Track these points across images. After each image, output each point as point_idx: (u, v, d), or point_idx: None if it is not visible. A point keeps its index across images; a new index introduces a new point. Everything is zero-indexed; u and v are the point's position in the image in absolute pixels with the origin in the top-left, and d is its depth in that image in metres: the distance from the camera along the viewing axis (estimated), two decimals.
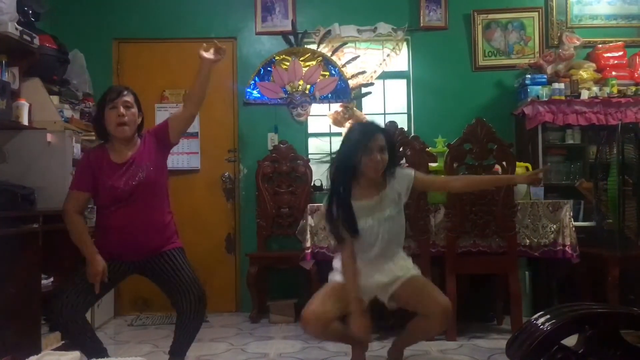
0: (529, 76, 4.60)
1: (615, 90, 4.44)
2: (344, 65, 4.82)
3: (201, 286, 2.82)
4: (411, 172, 2.79)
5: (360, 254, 2.73)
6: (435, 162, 3.95)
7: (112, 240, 2.74)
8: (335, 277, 2.80)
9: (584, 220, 4.28)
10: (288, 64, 4.86)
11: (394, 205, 2.71)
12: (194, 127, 4.86)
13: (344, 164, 2.66)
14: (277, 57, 4.87)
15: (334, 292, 2.72)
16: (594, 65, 4.64)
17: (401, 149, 3.64)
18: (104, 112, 2.73)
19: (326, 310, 2.64)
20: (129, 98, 2.75)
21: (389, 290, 2.74)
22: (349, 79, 4.80)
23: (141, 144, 2.82)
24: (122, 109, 2.71)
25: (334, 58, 4.82)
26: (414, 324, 2.83)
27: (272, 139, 4.86)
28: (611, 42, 4.75)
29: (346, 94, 4.79)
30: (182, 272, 2.78)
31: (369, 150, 2.59)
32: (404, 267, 2.78)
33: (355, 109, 4.78)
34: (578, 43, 4.65)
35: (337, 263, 2.84)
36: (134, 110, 2.77)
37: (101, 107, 2.75)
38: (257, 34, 4.92)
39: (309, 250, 3.66)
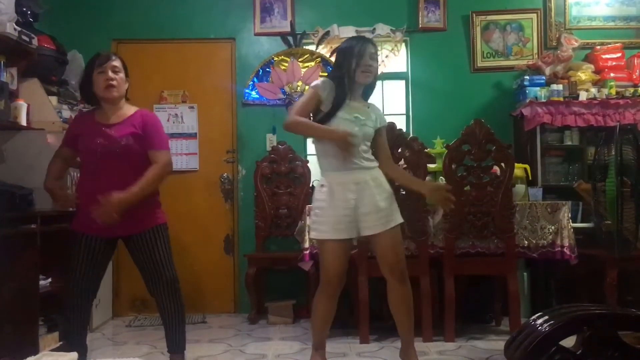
0: (528, 77, 4.60)
1: (613, 91, 4.44)
2: None
3: (172, 270, 2.84)
4: (385, 121, 3.01)
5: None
6: (434, 163, 3.96)
7: (86, 205, 2.73)
8: (313, 234, 2.87)
9: (582, 222, 4.28)
10: (287, 64, 4.86)
11: (371, 122, 2.87)
12: (193, 127, 4.87)
13: (341, 69, 2.83)
14: (275, 58, 4.88)
15: (329, 248, 2.79)
16: (592, 66, 4.64)
17: (400, 150, 3.64)
18: (92, 77, 2.79)
19: (342, 267, 2.80)
20: (116, 63, 2.81)
21: (375, 227, 2.79)
22: None
23: (130, 116, 2.83)
24: (110, 73, 2.77)
25: (333, 59, 4.81)
26: (392, 306, 2.90)
27: (271, 140, 4.86)
28: (609, 43, 4.76)
29: None
30: (156, 255, 2.81)
31: (362, 55, 2.77)
32: (388, 198, 2.84)
33: None
34: (576, 44, 4.66)
35: (312, 216, 2.90)
36: (122, 75, 2.83)
37: (89, 72, 2.82)
38: (256, 34, 4.92)
39: (308, 251, 3.66)
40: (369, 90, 2.95)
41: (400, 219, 2.88)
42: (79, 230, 2.78)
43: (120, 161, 2.73)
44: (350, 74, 2.80)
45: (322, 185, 2.84)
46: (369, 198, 2.78)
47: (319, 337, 2.93)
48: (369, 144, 2.87)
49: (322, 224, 2.80)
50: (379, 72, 4.89)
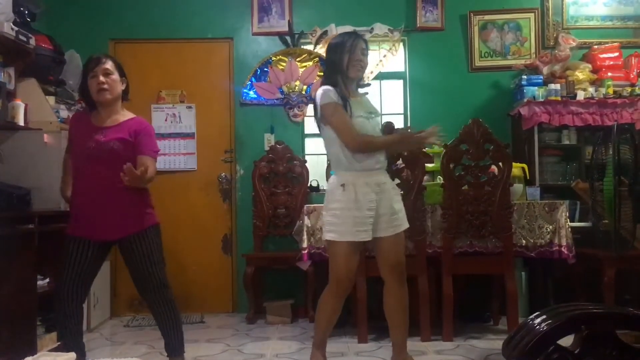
0: (525, 77, 4.61)
1: (611, 91, 4.45)
2: None
3: (161, 275, 2.82)
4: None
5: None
6: (432, 162, 3.96)
7: (78, 208, 2.76)
8: (331, 235, 2.78)
9: (580, 221, 4.28)
10: (284, 64, 4.86)
11: (374, 113, 2.91)
12: (191, 127, 4.87)
13: (333, 64, 2.84)
14: (273, 58, 4.88)
15: (345, 250, 2.74)
16: (589, 66, 4.65)
17: None
18: (87, 82, 2.80)
19: (354, 269, 2.80)
20: (107, 65, 2.80)
21: (388, 229, 2.80)
22: None
23: (125, 122, 2.82)
24: (101, 77, 2.76)
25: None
26: (387, 309, 2.90)
27: (269, 140, 4.85)
28: (607, 43, 4.76)
29: None
30: (144, 260, 2.79)
31: (353, 51, 2.79)
32: (401, 201, 2.91)
33: None
34: (574, 44, 4.66)
35: (327, 217, 2.80)
36: (114, 76, 2.81)
37: (84, 77, 2.83)
38: (254, 34, 4.92)
39: (306, 251, 3.66)
40: (360, 82, 3.01)
41: (407, 224, 2.92)
42: (73, 235, 2.76)
43: (107, 165, 2.70)
44: (343, 69, 2.81)
45: (342, 185, 2.74)
46: (388, 200, 2.79)
47: (322, 336, 2.92)
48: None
49: (342, 225, 2.72)
50: (378, 72, 4.93)
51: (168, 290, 2.85)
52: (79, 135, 2.80)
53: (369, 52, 2.94)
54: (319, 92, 2.79)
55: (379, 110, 3.00)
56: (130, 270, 2.84)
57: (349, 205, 2.71)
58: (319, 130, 2.90)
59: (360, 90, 2.99)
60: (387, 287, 2.88)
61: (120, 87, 2.84)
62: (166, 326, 2.85)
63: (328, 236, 2.78)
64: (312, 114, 2.97)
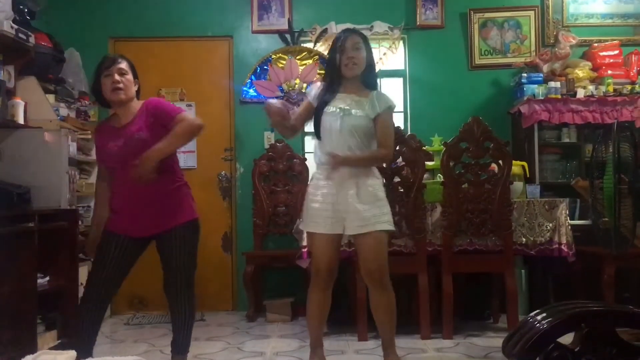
0: (525, 75, 4.61)
1: (611, 89, 4.45)
2: None
3: (189, 275, 2.83)
4: (390, 102, 2.85)
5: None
6: (432, 160, 3.96)
7: (116, 207, 2.77)
8: (302, 225, 2.93)
9: (579, 219, 4.29)
10: (284, 62, 4.86)
11: (362, 111, 2.77)
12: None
13: (329, 64, 2.88)
14: (273, 56, 4.87)
15: (315, 241, 2.83)
16: (589, 64, 4.65)
17: (397, 148, 3.64)
18: (101, 80, 2.79)
19: (329, 260, 2.81)
20: (123, 65, 2.81)
21: (357, 228, 2.75)
22: None
23: (141, 108, 2.82)
24: (116, 76, 2.76)
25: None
26: (372, 311, 2.90)
27: (269, 138, 4.85)
28: (607, 40, 4.76)
29: None
30: (175, 257, 2.78)
31: (343, 48, 2.76)
32: (371, 202, 2.76)
33: None
34: (574, 42, 4.66)
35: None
36: (129, 76, 2.82)
37: (98, 76, 2.81)
38: (254, 32, 4.92)
39: (306, 249, 3.66)
40: (367, 79, 2.84)
41: (386, 227, 2.77)
42: (111, 230, 2.75)
43: (140, 155, 2.67)
44: (337, 68, 2.80)
45: (311, 179, 2.89)
46: (347, 197, 2.74)
47: (315, 333, 2.91)
48: (365, 137, 2.76)
49: (307, 216, 2.85)
50: (378, 70, 4.91)
51: (191, 290, 2.84)
52: (106, 142, 2.78)
53: (369, 45, 2.86)
54: None
55: (378, 108, 2.76)
56: (162, 265, 2.83)
57: (308, 197, 2.86)
58: None
59: (377, 90, 2.89)
60: (369, 290, 2.87)
61: (134, 88, 2.84)
62: (180, 324, 2.84)
63: (300, 226, 2.97)
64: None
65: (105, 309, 2.84)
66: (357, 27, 4.78)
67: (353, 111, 2.75)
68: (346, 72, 2.78)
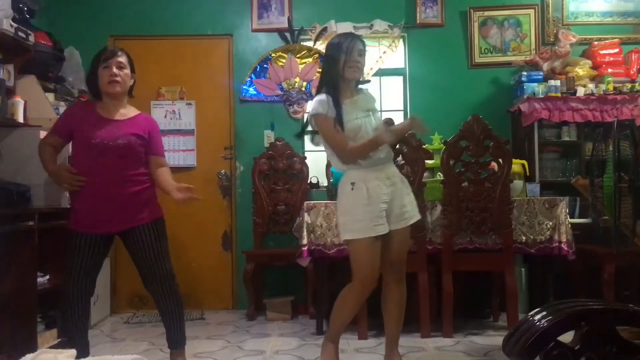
0: (525, 73, 4.61)
1: (611, 87, 4.45)
2: None
3: (168, 266, 2.84)
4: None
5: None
6: (432, 159, 3.96)
7: (84, 198, 2.74)
8: (350, 235, 2.73)
9: (579, 217, 4.28)
10: (284, 61, 4.85)
11: (375, 105, 2.90)
12: (190, 124, 4.86)
13: (330, 65, 2.82)
14: (273, 54, 4.87)
15: (365, 247, 2.70)
16: (589, 62, 4.64)
17: (397, 146, 3.64)
18: (97, 71, 2.79)
19: (378, 266, 2.75)
20: (122, 59, 2.81)
21: (399, 222, 2.76)
22: None
23: (134, 117, 2.85)
24: (115, 69, 2.77)
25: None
26: (383, 305, 2.88)
27: (269, 136, 4.85)
28: (607, 39, 4.76)
29: None
30: (151, 251, 2.80)
31: (348, 52, 2.76)
32: (409, 193, 2.84)
33: None
34: (574, 40, 4.66)
35: (341, 217, 2.79)
36: (127, 71, 2.83)
37: (95, 66, 2.81)
38: (253, 30, 4.91)
39: (306, 248, 3.66)
40: (357, 82, 2.94)
41: (419, 215, 2.88)
42: (76, 230, 2.75)
43: (120, 158, 2.72)
44: (339, 70, 2.79)
45: (352, 183, 2.71)
46: (399, 192, 2.77)
47: (338, 331, 2.88)
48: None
49: (358, 222, 2.69)
50: (377, 68, 4.93)
51: (174, 281, 2.87)
52: (84, 127, 2.75)
53: (368, 50, 2.91)
54: (312, 101, 2.80)
55: (377, 105, 2.90)
56: (137, 262, 2.84)
57: (362, 202, 2.68)
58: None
59: (361, 86, 2.95)
60: (385, 282, 2.86)
61: (129, 83, 2.86)
62: (170, 318, 2.86)
63: (347, 235, 2.74)
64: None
65: (88, 307, 2.84)
66: (357, 25, 4.83)
67: (374, 107, 2.89)
68: (349, 74, 2.79)
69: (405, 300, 2.87)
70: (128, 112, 2.86)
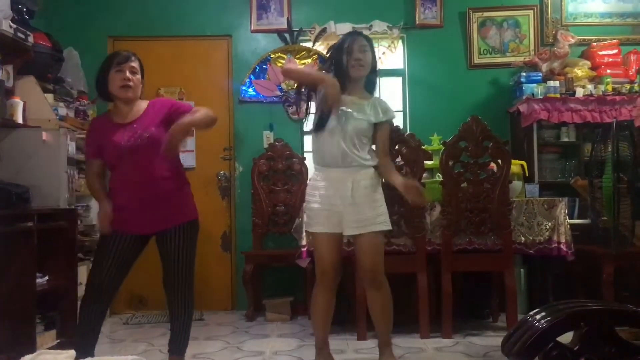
0: (524, 74, 4.61)
1: (609, 88, 4.45)
2: None
3: (189, 275, 2.82)
4: (393, 113, 2.97)
5: (328, 151, 2.79)
6: (431, 159, 3.96)
7: (118, 204, 2.73)
8: (306, 226, 2.95)
9: (579, 218, 4.29)
10: (283, 61, 4.85)
11: (363, 114, 2.81)
12: None
13: (335, 66, 2.84)
14: (272, 55, 4.87)
15: (318, 241, 2.85)
16: (588, 63, 4.65)
17: (397, 147, 3.64)
18: (109, 74, 2.76)
19: (333, 259, 2.83)
20: (135, 64, 2.79)
21: (353, 229, 2.78)
22: None
23: (148, 107, 2.81)
24: (128, 74, 2.74)
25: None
26: (369, 309, 2.94)
27: (268, 137, 4.85)
28: (606, 40, 4.77)
29: None
30: (177, 258, 2.78)
31: (351, 50, 2.78)
32: (369, 203, 2.80)
33: None
34: (573, 41, 4.66)
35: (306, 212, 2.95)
36: (139, 76, 2.81)
37: (106, 69, 2.78)
38: (253, 31, 4.92)
39: (305, 248, 3.66)
40: (369, 84, 2.91)
41: (384, 227, 2.82)
42: (112, 229, 2.72)
43: (147, 152, 2.68)
44: (343, 69, 2.80)
45: (309, 180, 2.92)
46: (346, 198, 2.76)
47: (321, 334, 2.92)
48: (364, 140, 2.81)
49: (310, 217, 2.87)
50: (377, 68, 4.89)
51: (191, 291, 2.83)
52: (107, 137, 2.73)
53: (373, 48, 2.89)
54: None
55: (380, 115, 2.83)
56: (162, 264, 2.82)
57: (308, 199, 2.88)
58: None
59: (377, 97, 2.96)
60: (365, 288, 2.91)
61: (140, 88, 2.83)
62: (178, 324, 2.83)
63: (305, 227, 2.99)
64: (311, 112, 2.99)
65: (106, 310, 2.82)
66: (356, 26, 4.83)
67: (355, 114, 2.79)
68: (353, 73, 2.81)
69: (388, 302, 2.87)
70: (140, 108, 2.82)
